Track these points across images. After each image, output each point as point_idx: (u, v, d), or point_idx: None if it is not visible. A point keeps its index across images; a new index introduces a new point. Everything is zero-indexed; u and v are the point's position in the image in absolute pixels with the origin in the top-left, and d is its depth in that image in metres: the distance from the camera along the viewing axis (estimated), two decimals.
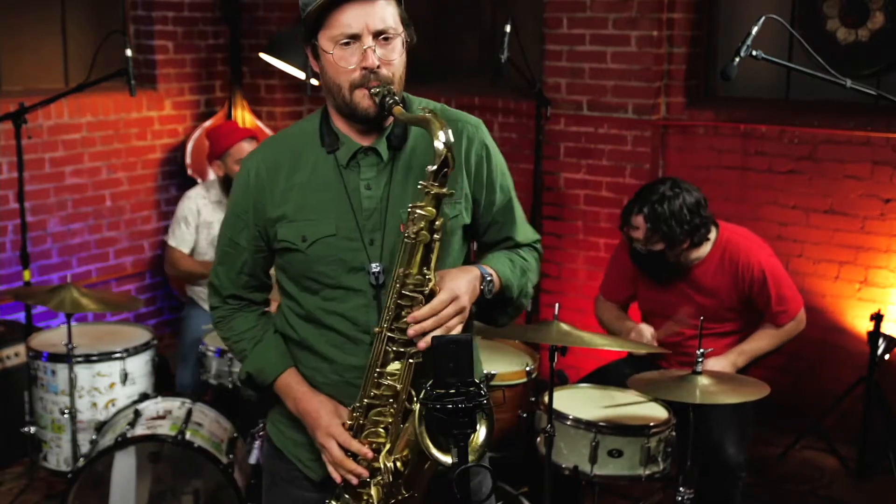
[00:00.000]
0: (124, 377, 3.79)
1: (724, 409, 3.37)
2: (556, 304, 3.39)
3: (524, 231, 2.22)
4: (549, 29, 5.01)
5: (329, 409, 2.07)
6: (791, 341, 3.64)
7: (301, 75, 5.20)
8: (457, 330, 1.94)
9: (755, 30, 2.81)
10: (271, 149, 2.15)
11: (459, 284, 1.96)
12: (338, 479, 2.05)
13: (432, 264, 1.94)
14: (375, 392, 2.00)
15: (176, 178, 5.63)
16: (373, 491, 2.04)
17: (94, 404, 3.76)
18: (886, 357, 4.18)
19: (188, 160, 5.51)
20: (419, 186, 1.91)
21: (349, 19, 1.94)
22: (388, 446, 2.01)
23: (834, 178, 4.44)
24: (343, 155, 2.06)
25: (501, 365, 3.65)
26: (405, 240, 1.93)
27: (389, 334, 1.96)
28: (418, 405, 1.89)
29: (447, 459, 1.89)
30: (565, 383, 3.77)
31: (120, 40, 4.21)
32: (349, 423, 2.04)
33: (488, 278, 2.03)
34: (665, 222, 3.45)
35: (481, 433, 1.92)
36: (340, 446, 2.03)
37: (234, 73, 5.69)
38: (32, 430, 3.84)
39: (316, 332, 2.10)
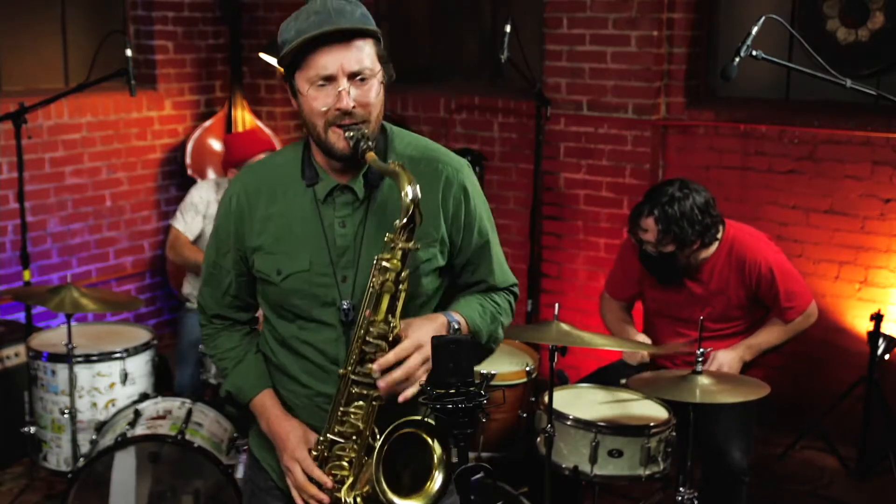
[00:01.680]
0: (124, 377, 3.79)
1: (728, 414, 3.37)
2: (556, 304, 3.39)
3: (501, 275, 2.21)
4: (549, 29, 5.01)
5: (298, 434, 2.11)
6: (800, 335, 3.63)
7: None
8: (422, 380, 1.96)
9: (755, 30, 2.81)
10: (254, 176, 2.17)
11: (424, 333, 1.97)
12: (300, 503, 2.09)
13: (397, 312, 1.96)
14: (339, 429, 2.04)
15: (176, 178, 5.63)
16: None
17: (94, 404, 3.76)
18: (886, 357, 4.18)
19: (188, 160, 5.51)
20: (386, 239, 1.95)
21: (324, 61, 1.95)
22: (350, 480, 2.04)
23: (834, 178, 4.44)
24: (321, 190, 2.08)
25: (501, 365, 3.65)
26: (370, 289, 1.96)
27: (354, 377, 2.00)
28: (378, 444, 1.92)
29: (401, 502, 1.93)
30: (565, 383, 3.77)
31: (120, 40, 4.21)
32: (315, 452, 2.08)
33: (455, 326, 2.05)
34: (676, 224, 3.45)
35: (437, 480, 1.96)
36: (304, 472, 2.07)
37: (234, 73, 5.69)
38: (32, 430, 3.84)
39: (291, 358, 2.14)
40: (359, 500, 2.03)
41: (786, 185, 4.57)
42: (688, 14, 4.76)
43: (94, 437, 3.60)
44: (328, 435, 2.05)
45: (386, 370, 1.94)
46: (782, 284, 3.52)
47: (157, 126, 5.53)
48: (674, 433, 3.24)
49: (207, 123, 5.60)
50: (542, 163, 4.79)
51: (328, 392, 2.07)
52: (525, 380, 3.61)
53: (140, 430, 3.42)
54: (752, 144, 4.64)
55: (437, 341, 1.87)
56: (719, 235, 3.56)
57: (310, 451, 2.08)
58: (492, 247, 2.19)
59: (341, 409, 2.02)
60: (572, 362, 4.58)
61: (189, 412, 3.54)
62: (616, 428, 3.19)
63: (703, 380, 3.07)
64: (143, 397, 3.72)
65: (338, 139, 1.99)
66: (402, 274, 1.94)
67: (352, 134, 1.97)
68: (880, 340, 4.13)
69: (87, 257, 5.25)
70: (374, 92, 2.00)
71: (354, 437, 2.03)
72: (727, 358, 3.48)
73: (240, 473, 3.33)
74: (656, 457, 3.19)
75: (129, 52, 4.08)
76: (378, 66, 2.01)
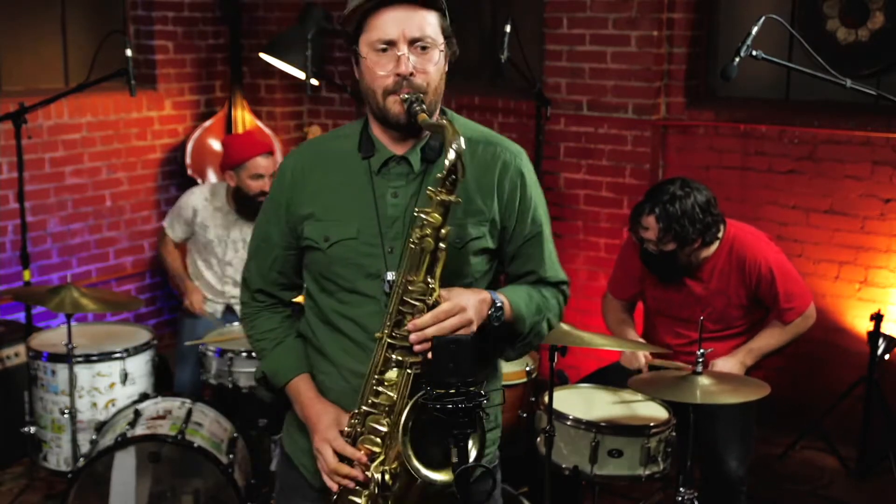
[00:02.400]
0: (124, 377, 3.79)
1: (726, 419, 3.37)
2: None
3: (552, 269, 2.18)
4: (549, 29, 5.01)
5: (331, 416, 2.07)
6: (799, 337, 3.63)
7: (301, 75, 5.20)
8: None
9: (755, 30, 2.81)
10: (311, 150, 2.17)
11: (466, 299, 1.94)
12: (333, 486, 2.04)
13: (437, 274, 1.91)
14: (373, 400, 1.99)
15: (176, 178, 5.63)
16: (363, 496, 2.01)
17: (94, 404, 3.76)
18: (886, 357, 4.18)
19: (188, 160, 5.51)
20: (427, 192, 1.90)
21: (387, 25, 1.96)
22: (381, 457, 1.99)
23: (834, 178, 4.44)
24: (376, 161, 2.06)
25: (501, 365, 3.65)
26: (410, 245, 1.92)
27: (390, 340, 1.95)
28: (404, 417, 1.89)
29: (429, 474, 1.90)
30: (565, 383, 3.77)
31: (120, 40, 4.21)
32: (347, 430, 2.04)
33: (498, 304, 2.00)
34: (677, 222, 3.44)
35: (470, 454, 1.89)
36: (336, 453, 2.02)
37: (234, 73, 5.69)
38: (32, 430, 3.84)
39: (330, 335, 2.11)
40: (387, 476, 1.97)
41: (786, 185, 4.57)
42: (688, 14, 4.76)
43: (94, 437, 3.60)
44: (362, 407, 2.00)
45: (422, 333, 1.88)
46: (782, 285, 3.52)
47: (157, 126, 5.53)
48: (674, 433, 3.24)
49: (207, 123, 5.60)
50: (542, 163, 4.78)
51: (362, 371, 2.02)
52: (525, 380, 3.61)
53: (140, 430, 3.42)
54: (752, 144, 4.64)
55: (437, 341, 1.87)
56: (720, 235, 3.56)
57: (342, 431, 2.04)
58: (544, 238, 2.16)
59: (376, 376, 1.98)
60: (572, 362, 4.58)
61: (189, 412, 3.54)
62: (616, 428, 3.19)
63: (704, 380, 3.07)
64: (143, 397, 3.72)
65: (394, 104, 1.98)
66: (443, 231, 1.88)
67: (406, 96, 1.96)
68: (880, 340, 4.13)
69: (87, 257, 5.25)
70: (434, 62, 2.00)
71: (388, 409, 1.97)
72: (728, 365, 3.48)
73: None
74: (656, 457, 3.19)
75: (129, 52, 4.08)
76: (441, 39, 2.01)
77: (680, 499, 3.12)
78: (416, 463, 1.90)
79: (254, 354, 3.89)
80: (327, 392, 2.13)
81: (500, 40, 4.35)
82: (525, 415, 3.50)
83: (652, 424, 3.20)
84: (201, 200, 4.51)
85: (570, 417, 3.22)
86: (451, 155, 1.85)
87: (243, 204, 4.38)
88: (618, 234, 4.91)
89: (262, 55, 5.48)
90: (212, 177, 5.49)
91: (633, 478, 3.21)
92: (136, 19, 5.52)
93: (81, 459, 3.62)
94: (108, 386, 3.77)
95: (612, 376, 3.64)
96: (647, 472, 3.19)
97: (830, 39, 4.48)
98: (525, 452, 3.55)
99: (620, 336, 3.78)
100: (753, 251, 3.54)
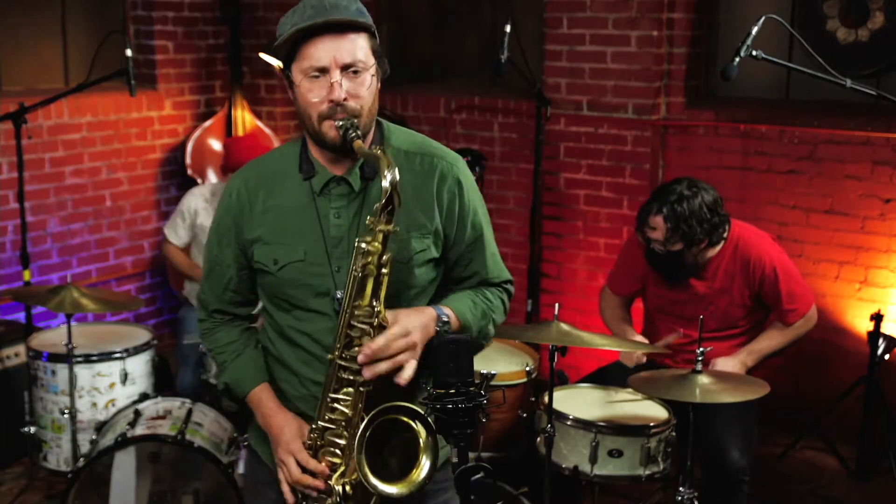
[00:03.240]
0: (124, 377, 3.79)
1: (728, 412, 3.37)
2: (556, 304, 3.39)
3: (495, 269, 2.23)
4: (549, 29, 5.01)
5: (293, 427, 2.13)
6: (801, 339, 3.63)
7: None
8: (409, 367, 1.98)
9: (755, 30, 2.81)
10: (253, 171, 2.20)
11: (412, 322, 2.00)
12: (290, 499, 2.11)
13: (381, 297, 1.98)
14: (329, 416, 2.06)
15: (176, 178, 5.63)
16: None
17: (94, 404, 3.76)
18: (886, 357, 4.18)
19: (188, 160, 5.51)
20: (367, 222, 1.96)
21: (318, 52, 1.99)
22: (342, 468, 2.06)
23: (834, 178, 4.44)
24: (317, 182, 2.11)
25: (501, 365, 3.65)
26: (352, 273, 1.98)
27: (341, 362, 2.01)
28: (361, 429, 1.93)
29: (384, 487, 1.94)
30: (565, 383, 3.77)
31: (120, 40, 4.21)
32: (308, 442, 2.09)
33: (444, 319, 2.06)
34: (685, 222, 3.45)
35: (424, 467, 1.96)
36: (299, 464, 2.08)
37: (234, 73, 5.69)
38: (32, 430, 3.84)
39: (288, 348, 2.17)
40: (347, 487, 2.04)
41: (786, 185, 4.57)
42: (688, 14, 4.76)
43: (94, 437, 3.60)
44: (319, 423, 2.07)
45: (371, 359, 1.95)
46: (785, 285, 3.52)
47: (157, 126, 5.53)
48: (674, 433, 3.24)
49: (207, 123, 5.60)
50: (542, 163, 4.79)
51: (322, 381, 2.10)
52: (525, 380, 3.61)
53: (140, 430, 3.41)
54: (752, 144, 4.64)
55: (437, 341, 1.88)
56: (726, 235, 3.57)
57: (304, 443, 2.10)
58: (486, 241, 2.21)
59: (330, 395, 2.05)
60: (572, 362, 4.58)
61: (189, 412, 3.54)
62: (616, 428, 3.19)
63: (704, 379, 3.07)
64: (143, 397, 3.72)
65: (329, 128, 2.02)
66: (384, 257, 1.96)
67: (341, 123, 2.00)
68: (880, 340, 4.13)
69: (87, 257, 5.25)
70: (367, 85, 2.03)
71: (344, 424, 2.05)
72: (729, 365, 3.48)
73: (241, 469, 3.34)
74: (656, 457, 3.19)
75: (129, 52, 4.07)
76: (372, 60, 2.04)
77: (680, 499, 3.12)
78: (372, 479, 1.94)
79: None
80: (289, 399, 2.19)
81: (500, 40, 4.35)
82: (525, 415, 3.50)
83: (652, 424, 3.20)
84: (201, 201, 4.51)
85: (570, 417, 3.22)
86: (386, 185, 1.91)
87: None
88: (618, 234, 4.91)
89: (262, 55, 5.48)
90: (212, 177, 5.49)
91: (633, 478, 3.21)
92: (136, 19, 5.52)
93: (81, 459, 3.62)
94: (108, 386, 3.77)
95: (611, 376, 3.64)
96: (647, 472, 3.20)
97: (830, 39, 4.48)
98: (525, 452, 3.55)
99: (618, 333, 3.78)
100: (758, 251, 3.55)
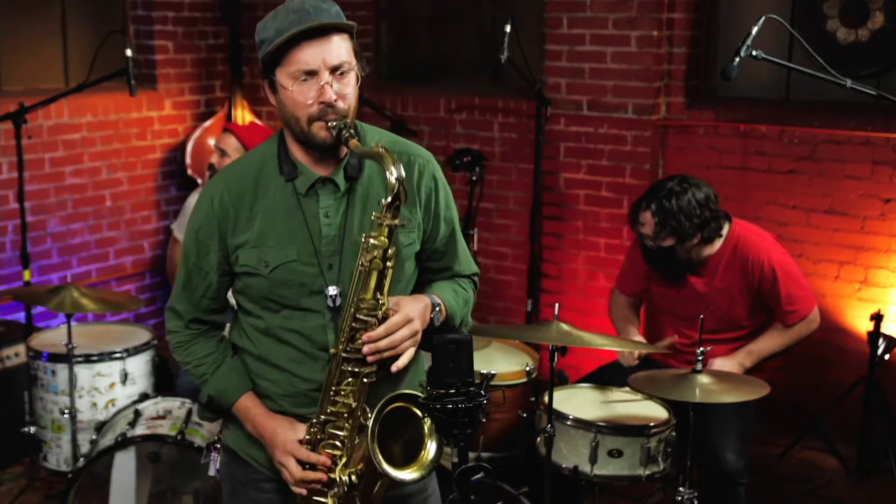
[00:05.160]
0: (124, 377, 3.79)
1: (724, 414, 3.37)
2: (556, 304, 3.39)
3: (466, 263, 2.32)
4: (549, 29, 5.01)
5: (286, 428, 2.15)
6: (801, 341, 3.63)
7: None
8: (409, 353, 2.05)
9: (755, 30, 2.81)
10: (234, 177, 2.20)
11: (414, 309, 2.07)
12: (303, 492, 2.12)
13: (385, 290, 2.03)
14: (331, 409, 2.09)
15: (176, 178, 5.63)
16: (329, 498, 2.10)
17: (94, 404, 3.76)
18: (886, 357, 4.18)
19: (188, 160, 5.51)
20: (373, 218, 2.03)
21: (307, 56, 2.02)
22: (343, 459, 2.09)
23: (834, 178, 4.44)
24: (301, 184, 2.13)
25: (501, 365, 3.65)
26: (359, 267, 2.02)
27: (344, 355, 2.05)
28: (371, 420, 1.96)
29: (398, 474, 1.98)
30: (565, 383, 3.77)
31: (120, 40, 4.21)
32: (307, 437, 2.12)
33: (437, 307, 2.14)
34: (673, 217, 3.46)
35: (431, 449, 2.01)
36: (299, 462, 2.11)
37: (234, 73, 5.69)
38: (32, 430, 3.84)
39: (275, 346, 2.18)
40: (353, 477, 2.06)
41: (786, 185, 4.57)
42: (688, 14, 4.76)
43: (94, 437, 3.60)
44: (321, 416, 2.10)
45: (374, 341, 2.01)
46: (784, 286, 3.52)
47: (157, 126, 5.53)
48: (674, 433, 3.24)
49: (207, 123, 5.60)
50: (542, 163, 4.79)
51: (313, 378, 2.13)
52: (525, 380, 3.61)
53: (140, 430, 3.42)
54: (752, 144, 4.64)
55: (437, 341, 1.88)
56: (723, 232, 3.56)
57: (301, 440, 2.12)
58: (457, 235, 2.30)
59: (333, 388, 2.07)
60: (572, 362, 4.58)
61: (189, 412, 3.54)
62: (616, 428, 3.19)
63: (703, 379, 3.07)
64: (143, 397, 3.72)
65: (320, 129, 2.05)
66: (389, 251, 2.02)
67: (334, 123, 2.03)
68: (880, 340, 4.13)
69: (87, 257, 5.25)
70: (352, 85, 2.08)
71: (346, 416, 2.07)
72: (727, 365, 3.48)
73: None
74: (656, 457, 3.19)
75: (129, 52, 4.08)
76: (354, 61, 2.08)
77: (680, 499, 3.12)
78: (387, 467, 1.97)
79: None
80: (272, 398, 2.20)
81: (500, 40, 4.35)
82: (525, 415, 3.50)
83: (652, 424, 3.20)
84: None
85: (570, 417, 3.22)
86: (392, 181, 1.97)
87: None
88: (618, 234, 4.91)
89: None
90: None
91: (633, 478, 3.21)
92: (136, 19, 5.52)
93: (81, 459, 3.62)
94: (108, 386, 3.77)
95: (611, 375, 3.65)
96: (647, 472, 3.20)
97: (830, 39, 4.48)
98: (525, 452, 3.55)
99: (623, 333, 3.78)
100: (757, 250, 3.54)
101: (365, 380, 2.05)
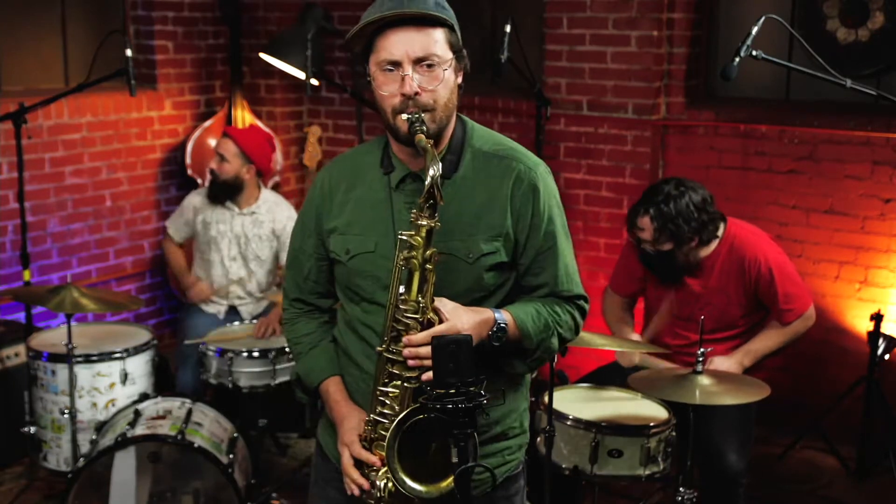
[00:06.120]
0: (124, 377, 3.79)
1: (726, 414, 3.37)
2: None
3: (567, 283, 2.16)
4: (549, 29, 5.01)
5: (353, 419, 2.13)
6: (799, 339, 3.63)
7: (301, 75, 5.20)
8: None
9: (755, 30, 2.81)
10: (340, 165, 2.24)
11: (462, 320, 1.98)
12: (354, 491, 2.09)
13: (427, 293, 1.97)
14: (380, 409, 2.06)
15: (176, 178, 5.63)
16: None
17: (94, 404, 3.76)
18: (886, 357, 4.18)
19: (188, 160, 5.51)
20: (411, 216, 1.97)
21: (391, 46, 1.99)
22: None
23: (834, 178, 4.44)
24: (395, 177, 2.12)
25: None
26: (396, 265, 1.99)
27: (388, 355, 2.02)
28: (393, 426, 1.93)
29: (413, 485, 1.95)
30: (565, 383, 3.77)
31: (120, 40, 4.21)
32: (364, 434, 2.09)
33: (501, 325, 2.03)
34: (672, 221, 3.45)
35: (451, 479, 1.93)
36: (352, 456, 2.08)
37: (234, 73, 5.69)
38: (32, 430, 3.84)
39: (354, 340, 2.18)
40: (390, 484, 2.01)
41: (786, 185, 4.57)
42: (688, 14, 4.76)
43: (94, 437, 3.60)
44: (371, 415, 2.07)
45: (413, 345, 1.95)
46: (781, 285, 3.52)
47: (157, 126, 5.53)
48: (674, 433, 3.24)
49: (207, 123, 5.60)
50: None
51: None
52: None
53: (140, 430, 3.42)
54: (752, 144, 4.64)
55: (437, 341, 1.87)
56: (719, 233, 3.57)
57: (360, 435, 2.09)
58: (559, 252, 2.15)
59: (379, 388, 2.05)
60: (572, 362, 4.58)
61: (189, 412, 3.54)
62: (616, 428, 3.19)
63: (704, 380, 3.07)
64: (143, 397, 3.72)
65: (402, 123, 2.02)
66: (428, 252, 1.95)
67: (408, 116, 1.99)
68: (880, 340, 4.13)
69: (87, 257, 5.25)
70: (441, 80, 2.02)
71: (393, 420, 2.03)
72: (726, 364, 3.48)
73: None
74: (656, 457, 3.19)
75: (129, 52, 4.07)
76: (449, 55, 2.04)
77: (680, 499, 3.12)
78: (399, 472, 1.95)
79: (255, 354, 3.93)
80: (353, 393, 2.19)
81: (500, 40, 4.35)
82: None
83: (652, 424, 3.20)
84: (202, 199, 4.54)
85: (570, 417, 3.22)
86: (427, 179, 1.91)
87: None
88: (618, 234, 4.91)
89: (262, 55, 5.48)
90: None
91: (633, 478, 3.21)
92: (136, 19, 5.52)
93: (81, 459, 3.62)
94: (108, 386, 3.77)
95: (610, 375, 3.65)
96: (647, 472, 3.19)
97: (830, 39, 4.48)
98: (525, 452, 3.55)
99: (618, 334, 3.78)
100: (753, 250, 3.54)
101: (407, 385, 2.00)
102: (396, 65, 1.99)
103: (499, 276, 2.12)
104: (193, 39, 5.65)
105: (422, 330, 1.96)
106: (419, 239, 1.95)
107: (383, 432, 2.03)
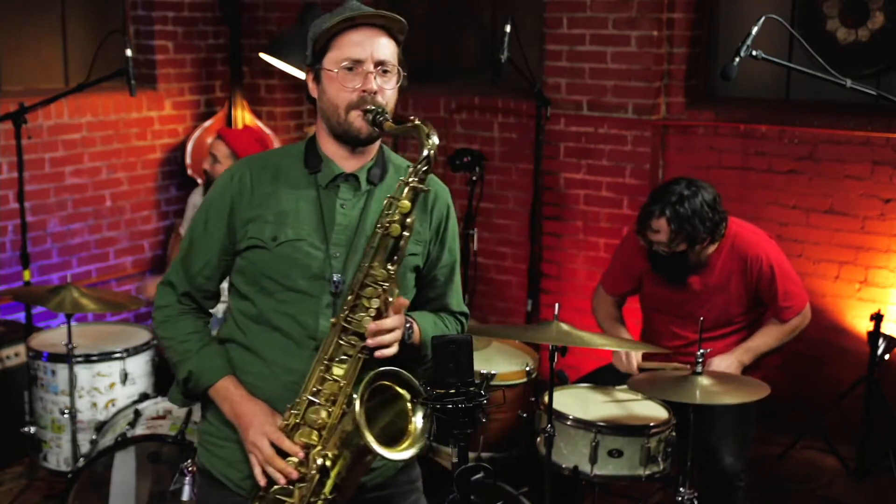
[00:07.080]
0: (124, 377, 3.79)
1: (724, 415, 3.36)
2: (556, 304, 3.38)
3: (457, 300, 2.32)
4: (549, 29, 5.01)
5: (266, 411, 2.11)
6: (796, 336, 3.63)
7: (301, 75, 5.19)
8: (389, 351, 2.03)
9: (755, 30, 2.81)
10: (259, 161, 2.23)
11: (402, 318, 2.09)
12: (262, 481, 2.06)
13: (398, 262, 2.04)
14: (318, 388, 2.05)
15: (176, 178, 5.62)
16: (295, 494, 2.05)
17: (94, 404, 3.76)
18: (886, 357, 4.18)
19: (188, 160, 5.51)
20: (400, 180, 2.05)
21: (356, 45, 2.08)
22: (318, 447, 2.04)
23: (834, 178, 4.44)
24: (323, 177, 2.16)
25: (501, 365, 3.65)
26: (377, 229, 2.03)
27: (344, 324, 2.03)
28: (358, 396, 1.94)
29: (395, 455, 1.96)
30: (565, 383, 3.76)
31: (120, 40, 4.21)
32: (284, 423, 2.08)
33: (407, 325, 2.11)
34: (688, 222, 3.44)
35: (418, 421, 1.99)
36: (272, 445, 2.06)
37: (234, 73, 5.68)
38: (32, 430, 3.84)
39: (264, 334, 2.15)
40: (327, 462, 2.01)
41: (786, 185, 4.57)
42: (688, 14, 4.76)
43: (94, 437, 3.60)
44: (304, 395, 2.05)
45: (377, 331, 2.01)
46: (781, 283, 3.53)
47: (157, 126, 5.52)
48: (674, 433, 3.24)
49: (207, 123, 5.60)
50: (542, 163, 4.78)
51: (297, 368, 2.10)
52: (525, 380, 3.61)
53: (140, 430, 3.42)
54: (752, 144, 4.64)
55: (436, 341, 1.88)
56: (724, 232, 3.57)
57: (277, 425, 2.08)
58: (457, 271, 2.31)
59: (325, 361, 2.04)
60: (572, 362, 4.58)
61: (189, 412, 3.53)
62: (616, 428, 3.19)
63: (704, 380, 3.07)
64: (143, 397, 3.72)
65: (357, 118, 2.08)
66: (409, 220, 2.02)
67: (371, 108, 2.06)
68: (880, 340, 4.13)
69: (87, 257, 5.25)
70: (392, 86, 2.12)
71: (331, 401, 2.04)
72: (725, 363, 3.48)
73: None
74: (656, 457, 3.19)
75: (129, 52, 4.08)
76: (397, 67, 2.13)
77: (680, 499, 3.12)
78: (379, 448, 1.93)
79: None
80: (257, 392, 2.15)
81: (500, 40, 4.35)
82: (525, 415, 3.49)
83: (652, 424, 3.20)
84: (200, 198, 4.54)
85: (570, 417, 3.22)
86: (430, 143, 2.00)
87: None
88: (618, 234, 4.90)
89: (262, 55, 5.48)
90: None
91: (633, 478, 3.21)
92: (136, 19, 5.51)
93: (81, 459, 3.63)
94: (108, 386, 3.78)
95: (611, 376, 3.64)
96: (647, 472, 3.20)
97: (830, 39, 4.48)
98: (525, 452, 3.55)
99: (611, 333, 3.78)
100: (755, 248, 3.55)
101: (360, 356, 2.03)
102: (358, 63, 2.07)
103: (414, 280, 2.21)
104: (193, 39, 5.65)
105: (383, 299, 2.01)
106: (406, 203, 2.01)
107: (313, 416, 2.04)
